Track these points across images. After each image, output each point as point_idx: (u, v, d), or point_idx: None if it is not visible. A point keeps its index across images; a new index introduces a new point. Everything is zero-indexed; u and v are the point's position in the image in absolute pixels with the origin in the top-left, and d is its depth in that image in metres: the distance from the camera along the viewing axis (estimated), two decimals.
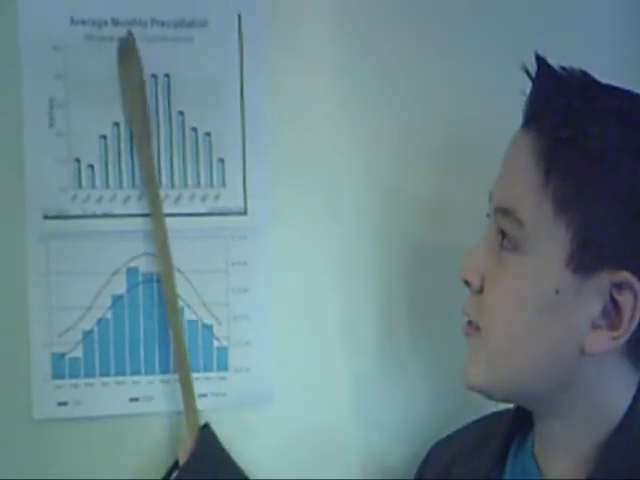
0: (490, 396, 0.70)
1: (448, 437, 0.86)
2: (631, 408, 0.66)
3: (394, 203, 0.92)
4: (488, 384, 0.68)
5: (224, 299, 0.89)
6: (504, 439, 0.74)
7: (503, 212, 0.67)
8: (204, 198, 0.88)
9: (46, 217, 0.85)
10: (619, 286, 0.62)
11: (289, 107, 0.89)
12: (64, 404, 0.86)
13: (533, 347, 0.65)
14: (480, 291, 0.68)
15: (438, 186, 0.93)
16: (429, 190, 0.93)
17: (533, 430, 0.72)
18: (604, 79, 0.67)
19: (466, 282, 0.70)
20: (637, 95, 0.66)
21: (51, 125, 0.84)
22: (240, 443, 0.89)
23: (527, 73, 0.69)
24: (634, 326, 0.62)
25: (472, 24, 0.93)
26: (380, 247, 0.92)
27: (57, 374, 0.86)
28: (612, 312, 0.63)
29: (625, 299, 0.62)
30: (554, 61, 0.67)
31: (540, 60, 0.68)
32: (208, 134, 0.87)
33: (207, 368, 0.88)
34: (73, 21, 0.84)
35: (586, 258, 0.62)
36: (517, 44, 0.91)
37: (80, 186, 0.85)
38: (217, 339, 0.89)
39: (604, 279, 0.62)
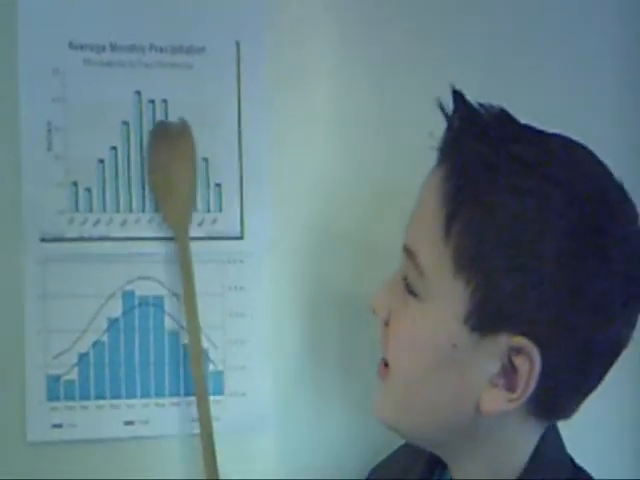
0: (398, 433, 0.69)
1: (384, 460, 0.85)
2: (534, 454, 0.64)
3: (395, 225, 0.92)
4: (393, 422, 0.67)
5: (220, 323, 0.89)
6: (423, 474, 0.74)
7: (408, 253, 0.65)
8: (201, 222, 0.88)
9: (43, 240, 0.85)
10: (517, 350, 0.59)
11: (286, 132, 0.89)
12: (59, 426, 0.86)
13: (431, 396, 0.64)
14: (387, 324, 0.68)
15: None
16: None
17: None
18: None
19: (375, 312, 0.69)
20: (551, 140, 0.62)
21: (49, 148, 0.85)
22: (235, 468, 0.88)
23: (442, 109, 0.64)
24: (530, 391, 0.60)
25: (473, 47, 0.93)
26: (379, 272, 0.92)
27: (52, 396, 0.85)
28: (510, 373, 0.60)
29: (522, 363, 0.59)
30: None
31: (457, 95, 0.64)
32: (205, 159, 0.87)
33: None
34: (72, 45, 0.85)
35: (483, 319, 0.60)
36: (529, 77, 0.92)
37: (77, 209, 0.85)
38: (213, 363, 0.89)
39: (501, 341, 0.60)
